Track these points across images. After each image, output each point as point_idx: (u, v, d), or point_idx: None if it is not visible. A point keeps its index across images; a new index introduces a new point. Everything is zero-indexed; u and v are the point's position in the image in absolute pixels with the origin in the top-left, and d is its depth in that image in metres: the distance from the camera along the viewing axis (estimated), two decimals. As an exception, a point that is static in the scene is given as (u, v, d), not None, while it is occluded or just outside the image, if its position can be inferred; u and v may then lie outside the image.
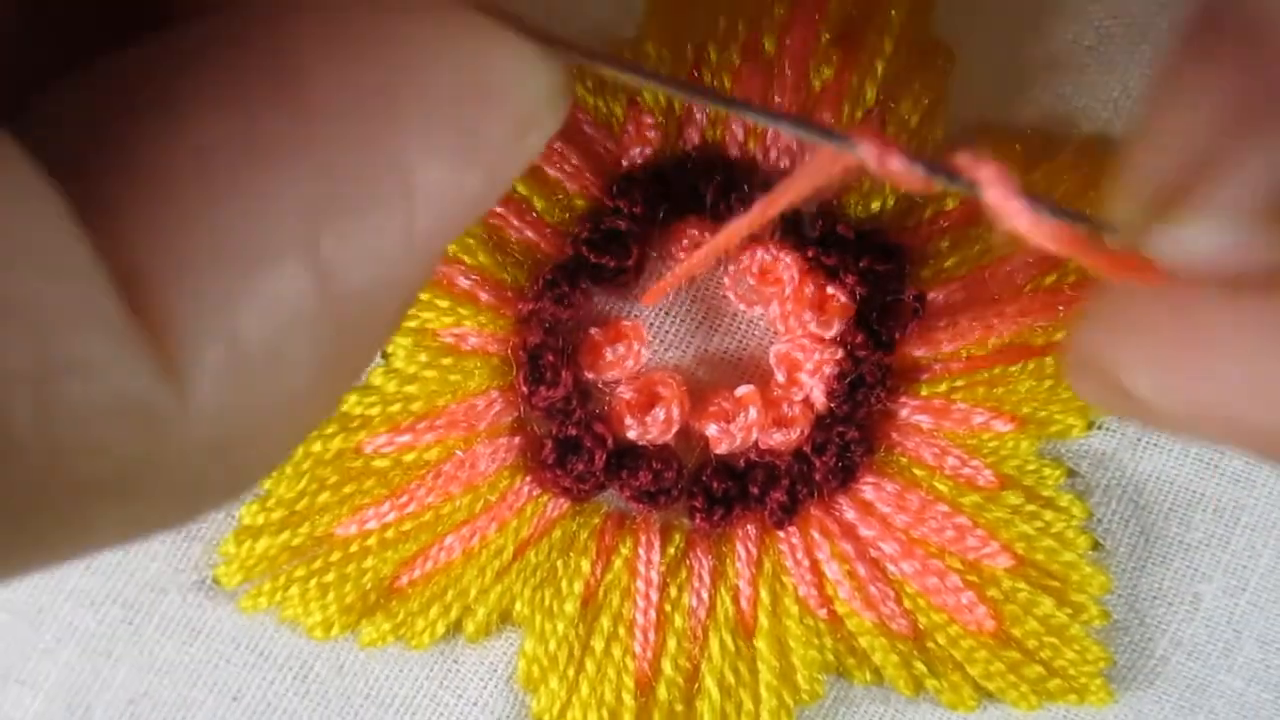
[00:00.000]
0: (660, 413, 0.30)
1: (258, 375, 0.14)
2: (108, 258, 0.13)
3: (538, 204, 0.30)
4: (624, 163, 0.31)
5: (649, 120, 0.30)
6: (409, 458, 0.30)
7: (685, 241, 0.30)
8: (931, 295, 0.30)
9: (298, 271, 0.14)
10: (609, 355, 0.31)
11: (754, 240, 0.30)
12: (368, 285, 0.15)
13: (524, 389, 0.31)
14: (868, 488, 0.31)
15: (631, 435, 0.31)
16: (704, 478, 0.31)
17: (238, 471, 0.15)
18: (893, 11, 0.30)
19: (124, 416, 0.13)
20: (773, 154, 0.30)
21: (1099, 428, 0.31)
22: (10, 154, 0.13)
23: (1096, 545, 0.31)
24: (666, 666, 0.31)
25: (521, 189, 0.30)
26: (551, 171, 0.30)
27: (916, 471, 0.31)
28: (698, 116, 0.31)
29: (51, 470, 0.13)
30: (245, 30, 0.15)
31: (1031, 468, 0.31)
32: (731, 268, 0.31)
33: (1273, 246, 0.16)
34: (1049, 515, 0.30)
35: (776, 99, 0.30)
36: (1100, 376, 0.18)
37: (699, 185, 0.30)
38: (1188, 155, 0.16)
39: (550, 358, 0.30)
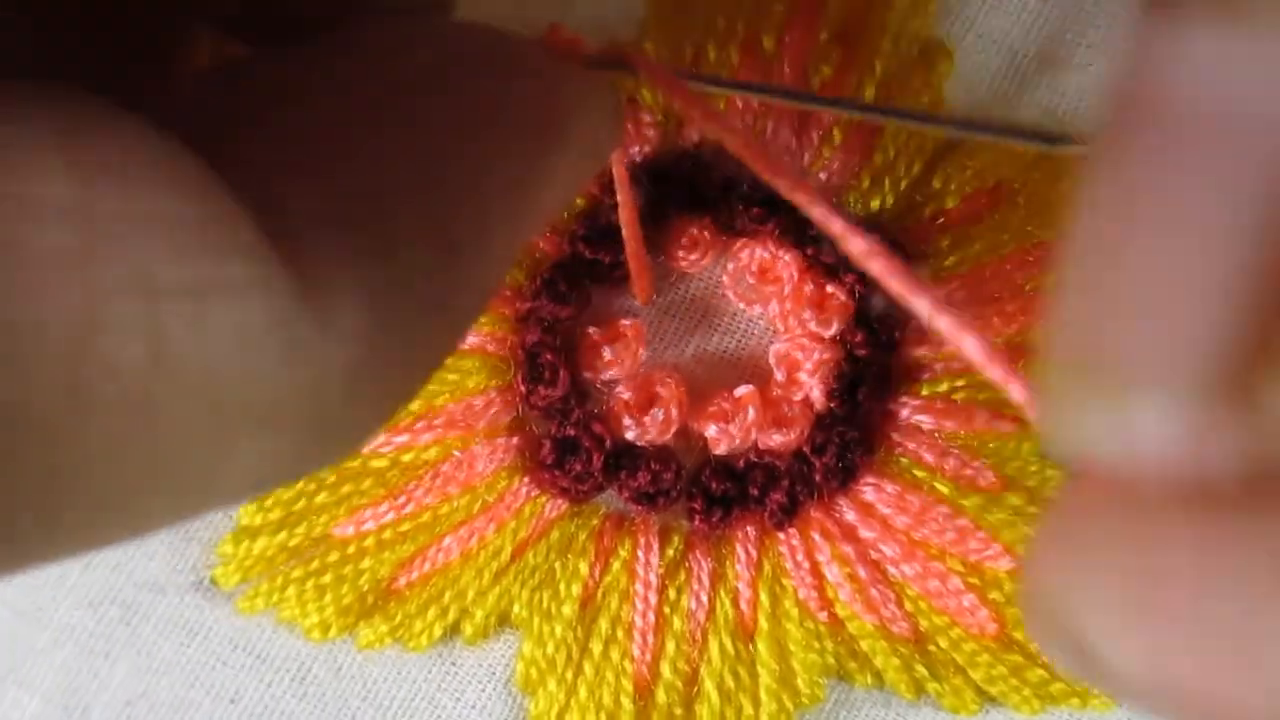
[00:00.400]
0: (659, 413, 0.30)
1: (395, 310, 0.15)
2: (247, 195, 0.14)
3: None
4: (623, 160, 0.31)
5: (648, 118, 0.30)
6: (407, 458, 0.30)
7: (685, 239, 0.30)
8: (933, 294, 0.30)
9: (428, 220, 0.15)
10: (607, 355, 0.30)
11: (753, 239, 0.30)
12: (493, 223, 0.16)
13: (522, 388, 0.31)
14: (868, 489, 0.30)
15: (630, 436, 0.31)
16: (703, 478, 0.31)
17: (362, 412, 0.16)
18: (892, 10, 0.30)
19: (272, 338, 0.14)
20: (770, 152, 0.30)
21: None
22: (127, 118, 0.14)
23: (1100, 548, 0.31)
24: (665, 669, 0.31)
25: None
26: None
27: (917, 473, 0.30)
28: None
29: (203, 391, 0.13)
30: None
31: (1034, 469, 0.30)
32: (731, 266, 0.31)
33: (1238, 432, 0.11)
34: (1052, 517, 0.30)
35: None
36: (1058, 626, 0.13)
37: (698, 183, 0.30)
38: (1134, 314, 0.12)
39: (548, 357, 0.30)
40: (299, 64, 0.16)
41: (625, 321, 0.31)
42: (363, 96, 0.16)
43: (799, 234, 0.30)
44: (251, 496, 0.15)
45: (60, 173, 0.12)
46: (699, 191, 0.30)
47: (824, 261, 0.30)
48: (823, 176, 0.30)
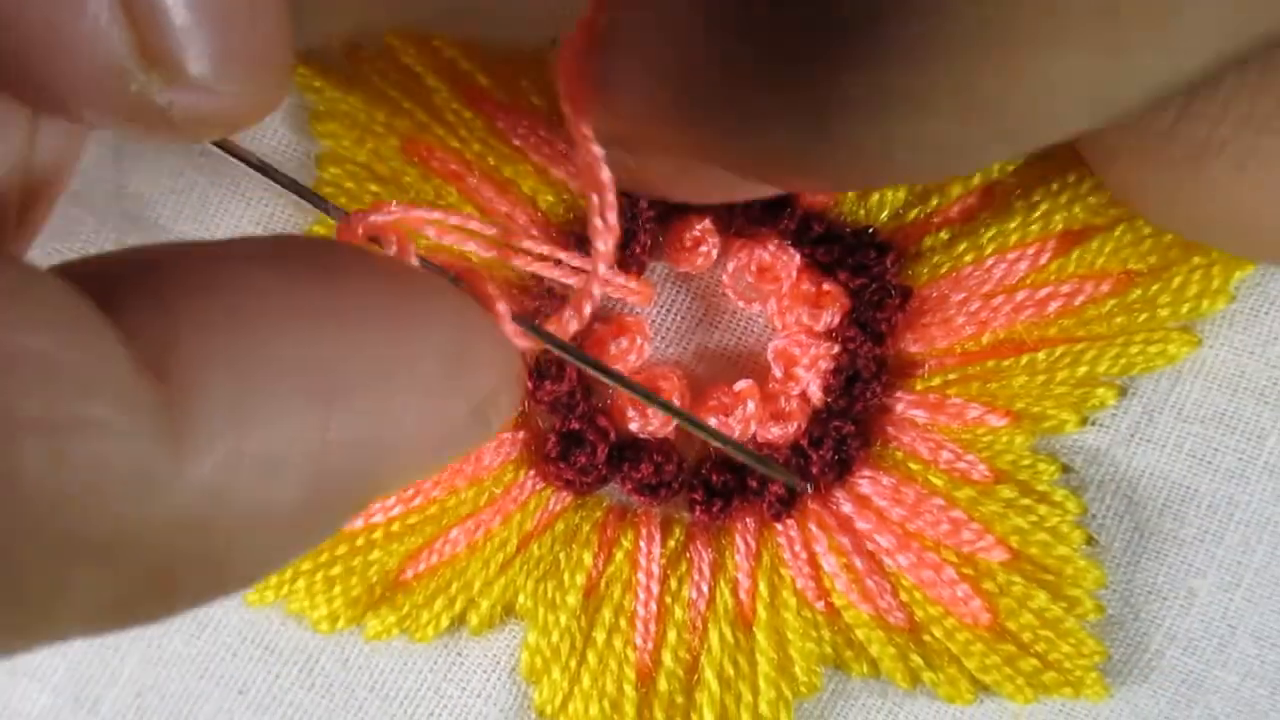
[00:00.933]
0: (661, 405, 0.31)
1: (251, 477, 0.16)
2: (137, 338, 0.15)
3: (542, 203, 0.31)
4: (626, 163, 0.31)
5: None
6: (415, 451, 0.31)
7: (686, 240, 0.31)
8: (926, 291, 0.31)
9: (310, 409, 0.17)
10: (612, 350, 0.31)
11: (752, 239, 0.31)
12: (359, 450, 0.17)
13: (528, 383, 0.31)
14: (864, 481, 0.31)
15: (633, 428, 0.31)
16: (703, 470, 0.31)
17: (204, 571, 0.17)
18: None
19: (125, 476, 0.14)
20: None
21: (1092, 423, 0.31)
22: (24, 263, 0.15)
23: (1091, 540, 0.31)
24: (666, 658, 0.31)
25: (526, 188, 0.31)
26: (556, 171, 0.31)
27: (912, 465, 0.31)
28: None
29: (49, 521, 0.14)
30: (291, 241, 0.19)
31: (1026, 462, 0.31)
32: (730, 266, 0.31)
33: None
34: (1043, 510, 0.31)
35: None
36: None
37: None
38: None
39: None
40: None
41: (630, 316, 0.32)
42: (294, 267, 0.17)
43: (797, 234, 0.31)
44: (83, 633, 0.16)
45: None
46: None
47: (821, 260, 0.31)
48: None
